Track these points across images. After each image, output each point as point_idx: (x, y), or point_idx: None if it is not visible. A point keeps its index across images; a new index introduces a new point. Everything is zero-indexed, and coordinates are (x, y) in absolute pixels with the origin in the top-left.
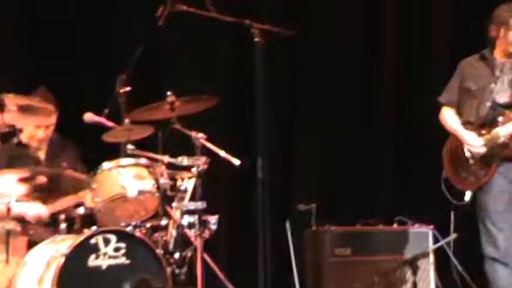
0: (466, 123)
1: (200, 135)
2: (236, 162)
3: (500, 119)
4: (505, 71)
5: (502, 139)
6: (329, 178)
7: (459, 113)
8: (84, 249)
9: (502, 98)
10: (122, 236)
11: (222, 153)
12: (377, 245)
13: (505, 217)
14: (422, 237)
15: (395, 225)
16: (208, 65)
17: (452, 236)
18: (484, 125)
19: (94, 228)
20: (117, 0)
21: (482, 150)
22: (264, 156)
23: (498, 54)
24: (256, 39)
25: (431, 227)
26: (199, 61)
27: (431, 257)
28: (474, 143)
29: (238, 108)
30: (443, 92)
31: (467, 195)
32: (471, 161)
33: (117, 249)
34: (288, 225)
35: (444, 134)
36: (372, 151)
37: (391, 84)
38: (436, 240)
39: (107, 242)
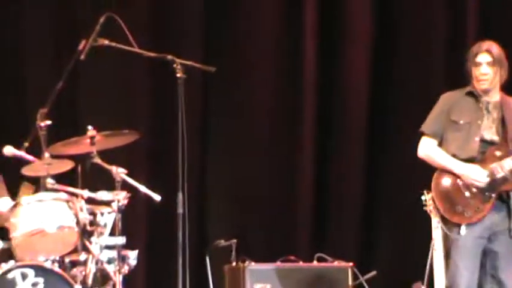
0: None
1: (120, 170)
2: (156, 197)
3: (497, 153)
4: (490, 109)
5: (502, 174)
6: (249, 214)
7: (439, 145)
8: (1, 284)
9: (489, 135)
10: (40, 270)
11: (143, 188)
12: (297, 282)
13: (474, 257)
14: (342, 274)
15: (315, 262)
16: (130, 100)
17: (372, 273)
18: (473, 160)
19: (11, 262)
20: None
21: (486, 181)
22: (184, 191)
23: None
24: (178, 75)
25: (351, 264)
26: (120, 95)
27: None
28: (479, 177)
29: (159, 143)
30: (426, 122)
31: (463, 229)
32: (467, 194)
33: (34, 284)
34: (207, 261)
35: (359, 169)
36: (292, 187)
37: (311, 121)
38: (355, 278)
39: (24, 276)
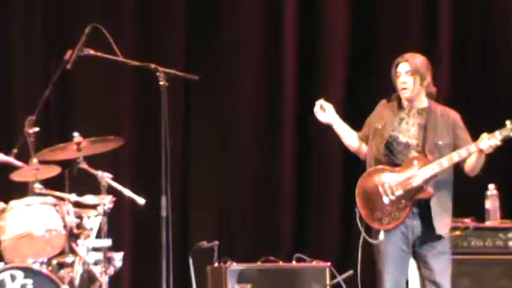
0: (377, 161)
1: (106, 174)
2: (140, 201)
3: (415, 162)
4: (411, 114)
5: (418, 183)
6: (231, 217)
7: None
8: None
9: (404, 138)
10: (28, 272)
11: (127, 192)
12: (277, 281)
13: (396, 262)
14: (320, 273)
15: (294, 262)
16: (114, 107)
17: (348, 272)
18: (395, 164)
19: (1, 264)
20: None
21: (399, 192)
22: (167, 195)
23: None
24: (161, 83)
25: (329, 263)
26: (105, 103)
27: None
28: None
29: (143, 149)
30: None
31: (381, 235)
32: (386, 201)
33: (23, 286)
34: (190, 261)
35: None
36: (272, 190)
37: (291, 123)
38: (333, 277)
39: (13, 278)
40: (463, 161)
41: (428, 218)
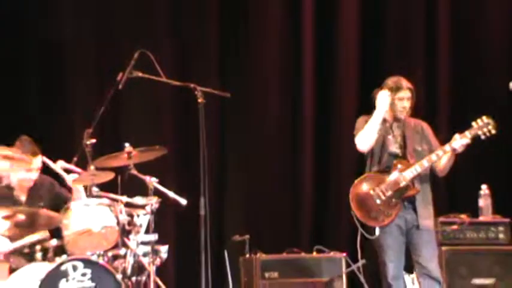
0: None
1: (153, 179)
2: (182, 201)
3: (399, 166)
4: (393, 128)
5: (404, 183)
6: (260, 215)
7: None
8: (56, 274)
9: (393, 149)
10: (87, 263)
11: (171, 194)
12: (300, 270)
13: (396, 251)
14: (336, 262)
15: (314, 253)
16: (159, 121)
17: (361, 261)
18: (384, 171)
19: (64, 257)
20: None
21: (389, 193)
22: (205, 196)
23: (387, 115)
24: (199, 100)
25: (344, 254)
26: (151, 117)
27: (344, 279)
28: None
29: (184, 157)
30: (356, 129)
31: (377, 231)
32: (378, 202)
33: (83, 275)
34: (226, 253)
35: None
36: (295, 191)
37: (311, 124)
38: (348, 265)
39: (75, 268)
40: (438, 160)
41: (416, 211)
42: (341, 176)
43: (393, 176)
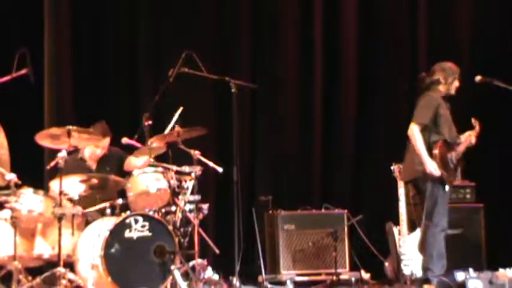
0: (444, 142)
1: (196, 152)
2: (220, 169)
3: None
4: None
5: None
6: (280, 181)
7: (430, 131)
8: (122, 226)
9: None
10: (146, 217)
11: (211, 163)
12: (311, 223)
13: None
14: (340, 217)
15: (323, 210)
16: (201, 108)
17: (359, 217)
18: (453, 144)
19: (128, 212)
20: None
21: (438, 173)
22: (237, 166)
23: (438, 93)
24: (232, 90)
25: (346, 211)
26: (195, 105)
27: (346, 230)
28: (434, 171)
29: (221, 135)
30: (417, 113)
31: (447, 187)
32: (451, 165)
33: (143, 226)
34: (253, 210)
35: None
36: (307, 159)
37: (320, 113)
38: (348, 219)
39: (136, 221)
40: None
41: None
42: (342, 152)
43: (461, 148)
